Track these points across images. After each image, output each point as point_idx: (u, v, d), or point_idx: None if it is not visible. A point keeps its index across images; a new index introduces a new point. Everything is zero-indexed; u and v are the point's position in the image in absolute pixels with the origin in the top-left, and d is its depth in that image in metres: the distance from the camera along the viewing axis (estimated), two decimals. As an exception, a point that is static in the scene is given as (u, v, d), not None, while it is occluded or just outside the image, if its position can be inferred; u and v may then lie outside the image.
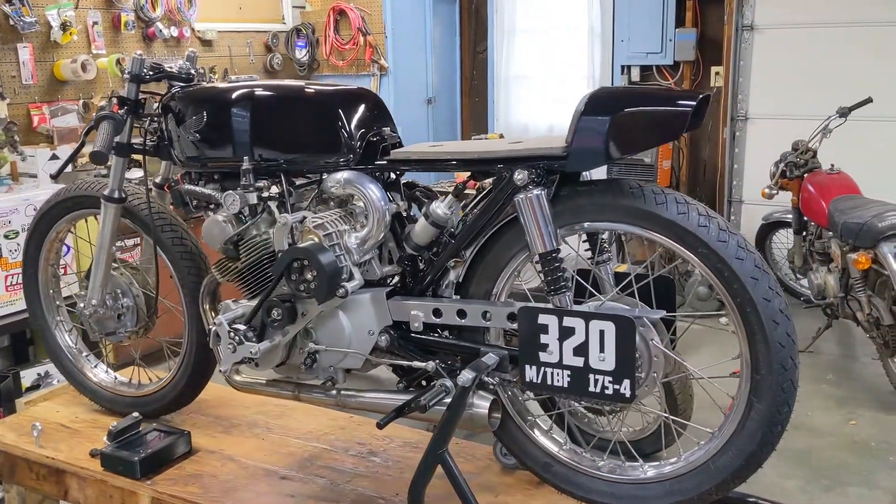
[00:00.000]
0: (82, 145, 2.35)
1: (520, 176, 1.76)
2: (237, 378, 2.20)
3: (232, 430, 2.56)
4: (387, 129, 2.07)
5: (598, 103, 1.68)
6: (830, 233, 4.87)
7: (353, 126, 2.01)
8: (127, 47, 5.52)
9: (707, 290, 5.70)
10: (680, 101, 1.65)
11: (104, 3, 5.35)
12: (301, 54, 6.82)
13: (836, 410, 4.41)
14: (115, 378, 2.70)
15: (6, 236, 4.28)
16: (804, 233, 5.37)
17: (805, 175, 5.21)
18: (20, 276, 4.17)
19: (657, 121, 1.66)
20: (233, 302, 2.14)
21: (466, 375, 1.76)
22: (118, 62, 5.22)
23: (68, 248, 4.33)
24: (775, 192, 5.35)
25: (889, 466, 3.82)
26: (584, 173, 1.85)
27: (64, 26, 5.02)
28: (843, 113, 5.15)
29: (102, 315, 2.50)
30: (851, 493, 3.65)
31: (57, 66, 5.08)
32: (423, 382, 2.04)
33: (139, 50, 5.57)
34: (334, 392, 2.09)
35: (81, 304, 2.51)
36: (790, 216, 5.45)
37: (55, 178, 2.39)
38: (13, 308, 4.30)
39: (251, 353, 2.01)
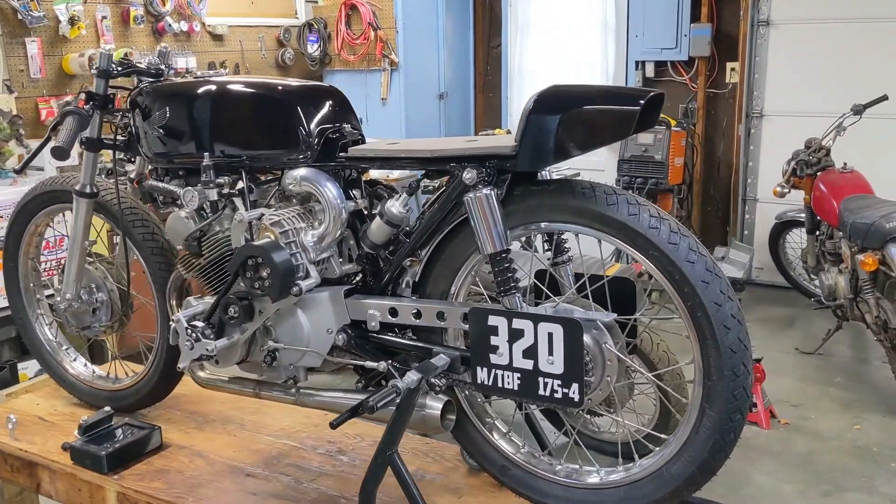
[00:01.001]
0: (47, 140, 2.36)
1: (468, 175, 1.73)
2: (201, 374, 2.20)
3: (205, 426, 2.56)
4: (347, 127, 2.04)
5: (546, 102, 1.65)
6: (841, 233, 4.77)
7: (311, 123, 1.98)
8: (136, 42, 5.56)
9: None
10: (629, 100, 1.60)
11: (113, -2, 5.40)
12: (313, 49, 6.83)
13: (842, 414, 4.33)
14: (94, 372, 2.71)
15: (10, 229, 4.32)
16: (817, 232, 5.27)
17: (817, 173, 5.11)
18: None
19: (606, 119, 1.62)
20: (195, 298, 2.14)
21: (412, 377, 1.73)
22: (126, 56, 5.25)
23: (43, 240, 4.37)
24: (787, 190, 5.25)
25: (890, 472, 3.73)
26: (541, 173, 1.82)
27: (72, 21, 5.07)
28: (858, 110, 5.04)
29: (77, 309, 2.51)
30: (850, 499, 3.58)
31: (65, 61, 5.13)
32: (383, 382, 2.01)
33: (146, 46, 5.60)
34: (294, 390, 2.08)
35: (57, 298, 2.53)
36: (804, 215, 5.35)
37: (19, 172, 2.40)
38: (17, 300, 4.34)
39: (208, 350, 2.00)
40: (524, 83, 7.39)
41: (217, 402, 2.71)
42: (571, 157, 1.66)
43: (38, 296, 2.75)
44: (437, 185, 1.97)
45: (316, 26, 6.80)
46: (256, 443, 2.44)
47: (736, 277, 5.89)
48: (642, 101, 1.58)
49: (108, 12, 5.34)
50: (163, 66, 2.30)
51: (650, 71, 6.78)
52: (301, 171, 1.96)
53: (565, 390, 1.68)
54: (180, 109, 2.08)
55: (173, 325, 2.07)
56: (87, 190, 2.35)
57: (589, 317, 1.70)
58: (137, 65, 2.26)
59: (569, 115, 1.62)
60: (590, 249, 1.98)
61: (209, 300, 2.10)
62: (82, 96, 2.24)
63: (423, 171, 1.91)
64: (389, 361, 1.89)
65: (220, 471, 2.29)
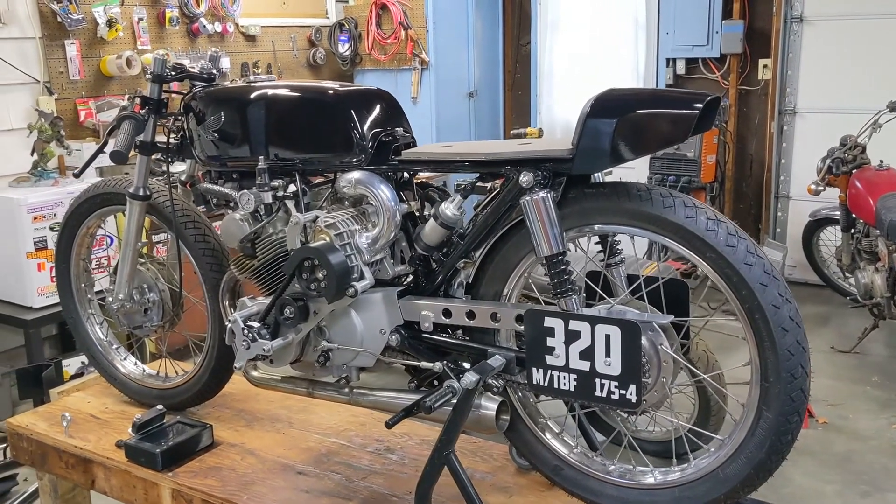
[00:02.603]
0: (105, 144, 2.40)
1: (525, 178, 1.75)
2: (254, 374, 2.24)
3: (254, 424, 2.59)
4: (399, 130, 2.07)
5: (604, 105, 1.66)
6: (878, 231, 4.74)
7: (365, 126, 2.01)
8: (172, 43, 5.62)
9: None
10: (687, 104, 1.61)
11: (149, 0, 5.46)
12: (343, 49, 6.87)
13: (880, 414, 4.30)
14: (144, 370, 2.76)
15: (51, 228, 4.40)
16: (852, 230, 5.24)
17: (853, 171, 5.08)
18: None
19: (663, 123, 1.63)
20: (249, 299, 2.17)
21: (470, 378, 1.75)
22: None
23: (112, 238, 4.44)
24: (822, 188, 5.22)
25: (931, 473, 3.71)
26: (594, 175, 1.83)
27: (110, 23, 5.14)
28: (894, 107, 5.00)
29: (129, 309, 2.56)
30: (890, 500, 3.56)
31: (103, 62, 5.20)
32: (435, 383, 2.04)
33: (181, 47, 5.66)
34: (347, 390, 2.11)
35: (110, 298, 2.57)
36: (838, 213, 5.32)
37: (78, 176, 2.45)
38: (58, 298, 4.40)
39: (264, 350, 2.03)
40: (553, 81, 7.39)
41: (264, 400, 2.75)
42: (627, 161, 1.67)
43: (88, 296, 2.80)
44: (465, 185, 1.98)
45: (347, 26, 6.84)
46: (305, 441, 2.48)
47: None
48: (700, 105, 1.60)
49: (145, 14, 5.40)
50: (215, 71, 2.33)
51: (681, 68, 6.76)
52: (356, 174, 1.99)
53: (622, 391, 1.70)
54: (236, 114, 2.12)
55: (229, 325, 2.10)
56: (141, 192, 2.39)
57: (646, 318, 1.71)
58: (190, 69, 2.29)
59: (626, 119, 1.63)
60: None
61: (263, 301, 2.13)
62: (137, 101, 2.28)
63: (477, 175, 1.92)
64: (445, 362, 1.91)
65: (272, 468, 2.33)
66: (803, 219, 6.01)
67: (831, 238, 5.77)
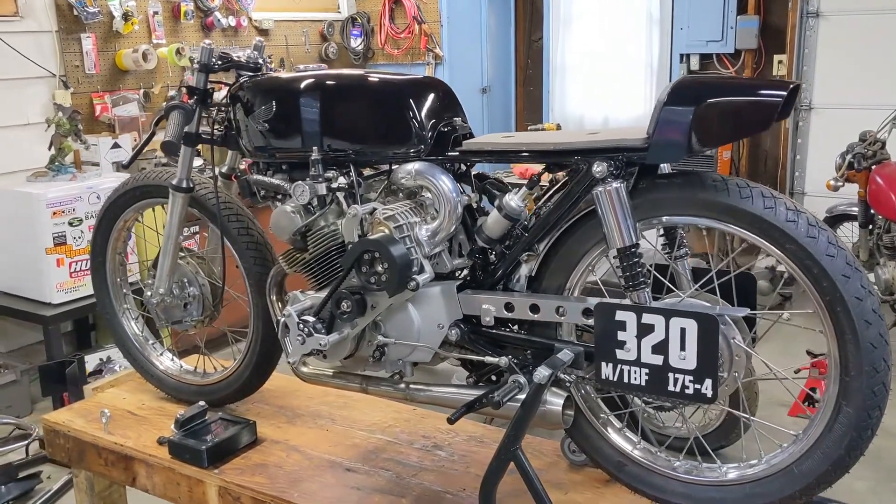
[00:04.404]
0: (152, 135, 2.36)
1: (598, 168, 1.71)
2: (304, 370, 2.19)
3: (296, 421, 2.55)
4: (458, 120, 2.03)
5: (681, 93, 1.62)
6: (900, 227, 4.72)
7: (423, 116, 1.97)
8: (186, 37, 5.58)
9: (768, 284, 5.57)
10: (769, 91, 1.58)
11: (164, -6, 5.41)
12: (356, 43, 6.82)
13: (906, 410, 4.28)
14: (181, 366, 2.72)
15: (70, 223, 4.35)
16: (870, 226, 5.22)
17: (873, 167, 5.05)
18: (84, 262, 4.28)
19: (744, 112, 1.59)
20: (301, 293, 2.13)
21: (543, 372, 1.72)
22: (178, 52, 5.27)
23: (130, 235, 4.39)
24: (841, 183, 5.19)
25: (963, 469, 3.69)
26: (661, 165, 1.80)
27: (125, 16, 5.08)
28: (915, 102, 4.99)
29: (169, 304, 2.51)
30: (923, 496, 3.54)
31: (119, 56, 5.15)
32: (493, 377, 2.00)
33: (195, 41, 5.61)
34: (403, 385, 2.07)
35: (149, 293, 2.53)
36: (856, 209, 5.29)
37: (127, 167, 2.41)
38: (77, 294, 4.38)
39: (320, 344, 1.99)
40: (566, 77, 7.35)
41: (303, 396, 2.71)
42: (704, 151, 1.63)
43: (124, 290, 2.76)
44: (534, 176, 1.94)
45: (359, 20, 6.80)
46: (350, 437, 2.44)
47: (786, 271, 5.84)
48: (784, 93, 1.56)
49: (160, 7, 5.35)
50: (260, 61, 2.29)
51: (695, 64, 6.73)
52: (416, 165, 1.95)
53: (697, 386, 1.66)
54: (288, 104, 2.07)
55: (283, 319, 2.06)
56: (184, 185, 2.35)
57: (722, 312, 1.68)
58: (237, 59, 2.25)
59: (706, 107, 1.60)
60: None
61: (317, 295, 2.09)
62: (184, 91, 2.24)
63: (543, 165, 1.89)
64: (510, 356, 1.87)
65: (319, 465, 2.29)
66: (818, 215, 5.95)
67: (848, 234, 5.74)
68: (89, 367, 4.47)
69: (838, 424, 1.66)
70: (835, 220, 5.82)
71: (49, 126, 4.51)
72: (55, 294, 4.32)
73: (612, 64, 7.10)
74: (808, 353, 4.24)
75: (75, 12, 4.85)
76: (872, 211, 5.11)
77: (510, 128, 7.54)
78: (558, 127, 5.57)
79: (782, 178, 6.52)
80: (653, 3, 6.82)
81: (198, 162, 2.42)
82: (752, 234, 1.66)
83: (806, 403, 4.00)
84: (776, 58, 6.45)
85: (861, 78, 6.05)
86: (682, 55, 6.72)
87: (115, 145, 4.81)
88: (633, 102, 7.04)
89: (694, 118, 1.60)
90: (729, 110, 1.60)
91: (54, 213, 4.29)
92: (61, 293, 4.35)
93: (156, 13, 5.32)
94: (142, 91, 5.26)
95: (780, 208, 1.63)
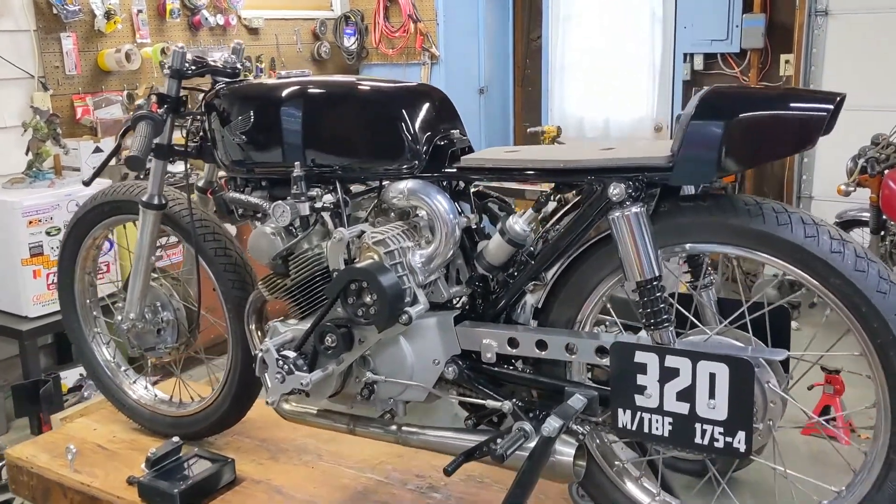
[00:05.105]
0: (118, 148, 2.15)
1: (616, 190, 1.50)
2: (286, 407, 1.99)
3: (279, 457, 2.35)
4: (456, 132, 1.82)
5: (711, 105, 1.42)
6: (916, 233, 4.54)
7: (417, 128, 1.77)
8: (172, 36, 5.36)
9: (776, 292, 5.37)
10: (812, 104, 1.38)
11: (149, -9, 5.19)
12: (349, 42, 6.60)
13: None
14: (155, 395, 2.51)
15: (48, 233, 4.14)
16: (882, 232, 5.03)
17: (886, 171, 4.86)
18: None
19: (784, 128, 1.39)
20: (281, 323, 1.92)
21: (553, 424, 1.51)
22: (163, 51, 5.05)
23: (111, 243, 4.18)
24: (853, 188, 5.00)
25: None
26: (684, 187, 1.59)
27: (108, 15, 4.86)
28: (930, 105, 4.79)
29: (141, 329, 2.30)
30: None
31: (101, 56, 4.92)
32: (494, 418, 1.80)
33: (182, 40, 5.41)
34: (394, 427, 1.87)
35: (119, 317, 2.32)
36: (866, 214, 5.11)
37: (88, 184, 2.18)
38: (55, 307, 4.11)
39: (302, 384, 1.78)
40: (565, 77, 7.13)
41: (288, 427, 2.49)
42: (737, 172, 1.43)
43: (94, 313, 2.55)
44: (542, 197, 1.73)
45: (353, 19, 6.58)
46: (338, 477, 2.23)
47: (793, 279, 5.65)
48: (831, 106, 1.36)
49: (144, 6, 5.13)
50: (238, 65, 2.08)
51: (699, 63, 6.52)
52: (409, 184, 1.74)
53: (728, 439, 1.46)
54: (268, 114, 1.86)
55: (260, 354, 1.85)
56: (156, 201, 2.14)
57: (758, 354, 1.47)
58: (213, 64, 2.04)
59: (740, 122, 1.39)
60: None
61: (298, 325, 1.88)
62: (154, 99, 2.03)
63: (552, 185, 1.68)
64: (514, 400, 1.67)
65: (304, 510, 2.09)
66: (827, 220, 5.78)
67: (858, 241, 5.55)
68: (69, 383, 4.26)
69: (890, 481, 1.46)
70: (845, 225, 5.62)
71: (26, 130, 4.29)
72: (32, 307, 4.11)
73: (612, 63, 6.89)
74: (822, 368, 4.05)
75: (55, 10, 4.63)
76: (885, 217, 4.93)
77: (508, 129, 7.33)
78: (559, 129, 5.34)
79: (789, 182, 6.32)
80: (655, 1, 6.61)
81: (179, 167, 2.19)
82: (791, 265, 1.46)
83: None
84: (783, 57, 6.24)
85: (871, 79, 5.84)
86: (685, 55, 6.52)
87: (97, 149, 4.59)
88: (634, 104, 6.83)
89: (725, 134, 1.40)
90: (767, 126, 1.40)
91: (31, 223, 4.08)
92: (38, 306, 4.13)
93: (140, 11, 5.09)
94: (125, 93, 5.04)
95: (824, 237, 1.44)
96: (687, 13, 6.40)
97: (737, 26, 6.24)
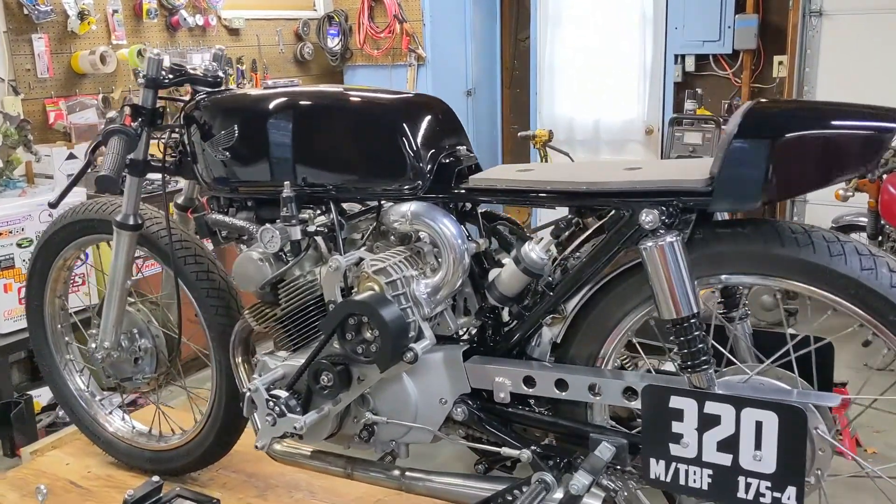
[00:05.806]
0: (88, 165, 1.97)
1: (648, 217, 1.35)
2: (277, 447, 1.82)
3: (268, 494, 2.18)
4: (462, 148, 1.66)
5: (758, 123, 1.27)
6: (916, 239, 4.43)
7: (421, 144, 1.60)
8: (149, 37, 5.16)
9: (772, 298, 5.26)
10: (872, 123, 1.22)
11: (125, -10, 4.99)
12: (333, 43, 6.42)
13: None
14: (133, 428, 2.33)
15: (19, 245, 3.93)
16: (880, 238, 4.94)
17: (884, 176, 4.76)
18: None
19: (840, 148, 1.24)
20: (270, 358, 1.75)
21: (582, 482, 1.35)
22: (139, 53, 4.85)
23: (87, 254, 3.98)
24: (851, 193, 4.90)
25: None
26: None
27: (82, 15, 4.66)
28: (929, 108, 4.69)
29: (117, 359, 2.12)
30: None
31: (74, 59, 4.72)
32: (508, 463, 1.64)
33: (160, 41, 5.21)
34: (396, 472, 1.70)
35: (93, 345, 2.14)
36: (864, 219, 5.01)
37: (55, 206, 1.99)
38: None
39: (295, 427, 1.61)
40: (554, 78, 6.98)
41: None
42: (786, 198, 1.27)
43: (66, 338, 2.36)
44: (561, 222, 1.58)
45: (336, 19, 6.39)
46: (333, 517, 2.07)
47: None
48: (893, 125, 1.21)
49: (120, 6, 4.93)
50: (220, 73, 1.91)
51: (690, 65, 6.40)
52: (413, 207, 1.58)
53: (777, 494, 1.31)
54: (254, 128, 1.69)
55: (248, 393, 1.68)
56: (131, 221, 1.96)
57: (808, 400, 1.32)
58: (192, 72, 1.86)
59: (789, 142, 1.24)
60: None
61: (289, 361, 1.71)
62: (127, 111, 1.85)
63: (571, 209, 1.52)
64: (532, 447, 1.50)
65: (296, 557, 1.92)
66: (823, 225, 5.65)
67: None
68: (42, 402, 4.05)
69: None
70: (841, 231, 5.53)
71: (-5, 137, 4.09)
72: (3, 322, 3.91)
73: (602, 65, 6.75)
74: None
75: (25, 11, 4.42)
76: (883, 222, 4.83)
77: (496, 133, 7.18)
78: (550, 134, 5.19)
79: (783, 185, 6.21)
80: (646, 1, 6.48)
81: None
82: (844, 300, 1.31)
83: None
84: (776, 59, 6.14)
85: (867, 81, 5.74)
86: (676, 56, 6.40)
87: (71, 156, 4.39)
88: (624, 106, 6.70)
89: (772, 155, 1.24)
90: (820, 146, 1.24)
91: (0, 234, 3.87)
92: (10, 322, 3.93)
93: (115, 11, 4.89)
94: (100, 96, 4.84)
95: (882, 269, 1.29)
96: (678, 14, 6.27)
97: (729, 27, 6.12)
